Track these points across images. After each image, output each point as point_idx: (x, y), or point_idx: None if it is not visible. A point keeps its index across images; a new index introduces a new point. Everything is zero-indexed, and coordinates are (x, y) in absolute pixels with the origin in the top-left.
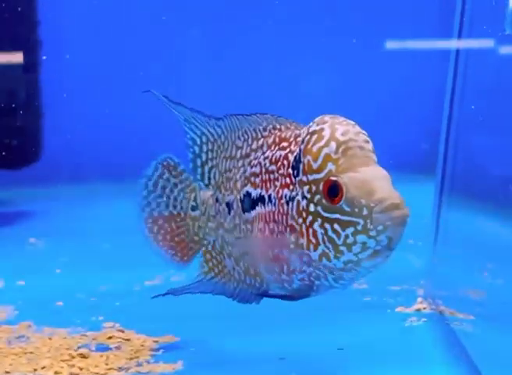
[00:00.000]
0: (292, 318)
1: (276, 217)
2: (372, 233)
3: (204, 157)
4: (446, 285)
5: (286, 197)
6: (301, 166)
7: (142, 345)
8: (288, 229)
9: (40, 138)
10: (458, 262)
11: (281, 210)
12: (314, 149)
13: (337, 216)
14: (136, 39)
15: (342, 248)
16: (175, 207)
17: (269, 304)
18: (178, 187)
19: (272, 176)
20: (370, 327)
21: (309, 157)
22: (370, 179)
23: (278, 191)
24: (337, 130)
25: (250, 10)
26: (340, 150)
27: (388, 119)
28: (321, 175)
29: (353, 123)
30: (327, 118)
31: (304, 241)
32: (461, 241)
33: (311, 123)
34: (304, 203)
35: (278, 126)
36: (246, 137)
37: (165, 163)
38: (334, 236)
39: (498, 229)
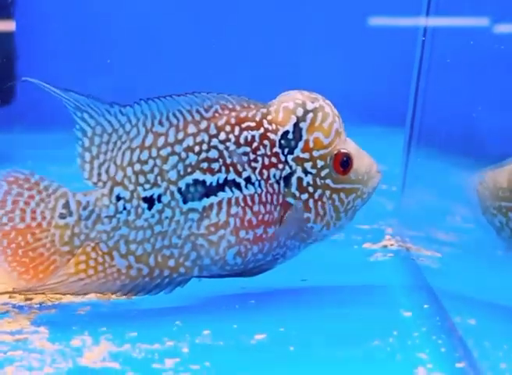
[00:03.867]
0: None
1: (263, 198)
2: (365, 196)
3: (94, 151)
4: (414, 225)
5: (275, 176)
6: (301, 144)
7: None
8: (280, 207)
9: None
10: (425, 205)
11: (270, 190)
12: (326, 126)
13: (344, 185)
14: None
15: (342, 214)
16: (34, 219)
17: None
18: (36, 199)
19: (245, 158)
20: (334, 261)
21: (318, 134)
22: (358, 148)
23: (261, 172)
24: (331, 105)
25: None
26: (340, 123)
27: (364, 85)
28: (329, 149)
29: None
30: (310, 96)
31: (310, 215)
32: (428, 185)
33: (297, 101)
34: (308, 179)
35: (229, 106)
36: (174, 121)
37: (10, 179)
38: (339, 204)
39: (459, 174)
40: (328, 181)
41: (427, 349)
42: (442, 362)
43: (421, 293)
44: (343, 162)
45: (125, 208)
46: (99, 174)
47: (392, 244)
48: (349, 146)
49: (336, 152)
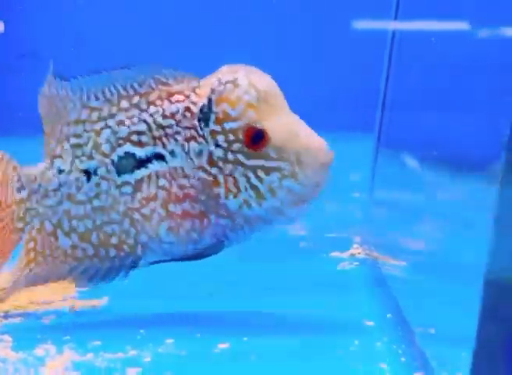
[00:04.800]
0: (224, 258)
1: (185, 171)
2: (300, 178)
3: (45, 128)
4: (382, 233)
5: (194, 149)
6: (213, 116)
7: None
8: (199, 181)
9: None
10: (394, 213)
11: (190, 163)
12: (233, 97)
13: (261, 162)
14: None
15: (265, 194)
16: None
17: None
18: None
19: (169, 130)
20: (301, 269)
21: (225, 105)
22: (293, 125)
23: (183, 145)
24: (253, 78)
25: None
26: (261, 97)
27: (332, 90)
28: (241, 123)
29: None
30: (236, 67)
31: (221, 190)
32: (396, 193)
33: (218, 74)
34: (219, 153)
35: (162, 80)
36: (109, 96)
37: None
38: (257, 182)
39: (428, 180)
40: (239, 156)
41: (387, 359)
42: (402, 372)
43: (385, 302)
44: (254, 138)
45: (66, 182)
46: (48, 147)
47: (359, 253)
48: (275, 121)
49: (247, 126)
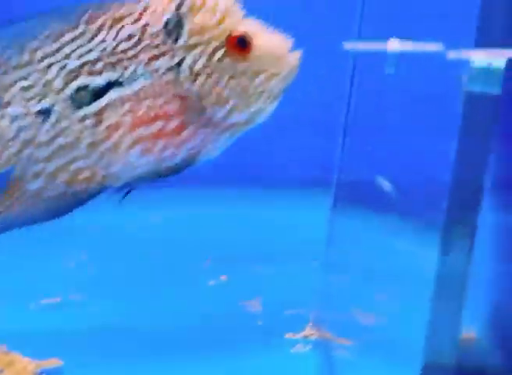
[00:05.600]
0: (182, 342)
1: (154, 90)
2: (281, 77)
3: None
4: (334, 307)
5: (163, 67)
6: (186, 28)
7: (24, 369)
8: (177, 97)
9: None
10: (347, 283)
11: (160, 81)
12: (208, 5)
13: (246, 66)
14: None
15: (253, 97)
16: None
17: (160, 329)
18: None
19: (127, 53)
20: (257, 354)
21: (201, 14)
22: (263, 26)
23: (147, 64)
24: None
25: None
26: (232, 3)
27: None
28: (221, 29)
29: None
30: None
31: (207, 101)
32: (351, 259)
33: None
34: (200, 63)
35: (102, 11)
36: (48, 33)
37: None
38: (245, 87)
39: (386, 247)
40: (224, 64)
41: None
42: None
43: None
44: (240, 42)
45: (23, 126)
46: None
47: (312, 334)
48: (248, 24)
49: (229, 32)
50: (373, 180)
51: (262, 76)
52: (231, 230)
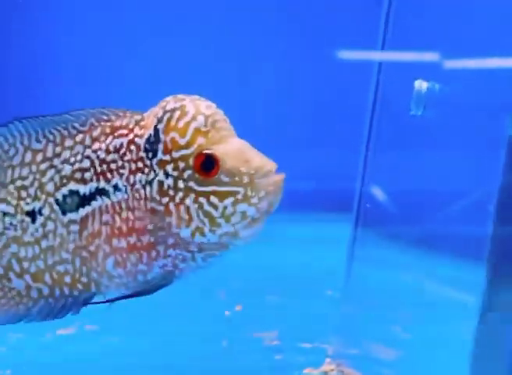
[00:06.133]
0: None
1: (130, 204)
2: (254, 201)
3: None
4: (353, 341)
5: (140, 181)
6: (161, 146)
7: None
8: (148, 213)
9: None
10: (369, 317)
11: (136, 196)
12: (180, 125)
13: (213, 188)
14: None
15: (219, 220)
16: None
17: (175, 358)
18: None
19: (113, 165)
20: None
21: (174, 134)
22: (243, 148)
23: (127, 178)
24: (200, 105)
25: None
26: (209, 123)
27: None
28: (191, 150)
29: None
30: (180, 96)
31: (172, 219)
32: (372, 291)
33: (162, 104)
34: (169, 182)
35: (104, 118)
36: (51, 137)
37: None
38: (211, 209)
39: (408, 275)
40: (191, 184)
41: None
42: None
43: None
44: (205, 164)
45: (11, 224)
46: None
47: (332, 370)
48: (224, 146)
49: (197, 153)
50: (397, 210)
51: (229, 200)
52: (246, 259)
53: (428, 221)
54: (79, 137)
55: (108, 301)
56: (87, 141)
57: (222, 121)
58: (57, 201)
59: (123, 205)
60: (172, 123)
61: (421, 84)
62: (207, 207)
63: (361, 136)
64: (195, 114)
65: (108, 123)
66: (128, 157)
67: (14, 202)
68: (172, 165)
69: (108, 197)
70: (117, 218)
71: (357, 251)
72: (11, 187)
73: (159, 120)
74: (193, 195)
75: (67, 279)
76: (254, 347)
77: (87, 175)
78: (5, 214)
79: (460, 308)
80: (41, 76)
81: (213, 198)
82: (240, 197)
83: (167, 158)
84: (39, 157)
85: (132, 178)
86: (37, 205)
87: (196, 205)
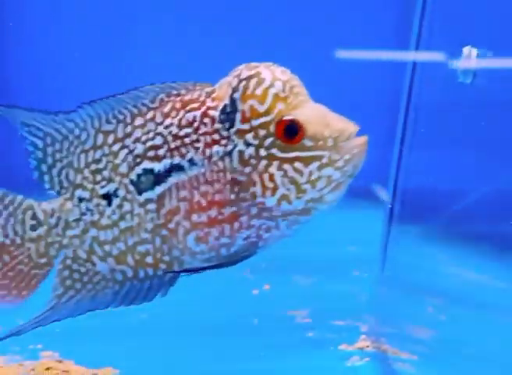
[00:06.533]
0: (233, 352)
1: (209, 177)
2: (339, 164)
3: (50, 161)
4: (390, 321)
5: (218, 153)
6: (239, 115)
7: None
8: (229, 184)
9: None
10: (403, 296)
11: (214, 168)
12: (259, 92)
13: (297, 153)
14: None
15: (305, 186)
16: (6, 236)
17: (208, 338)
18: (3, 214)
19: (186, 140)
20: (313, 366)
21: (252, 101)
22: (323, 112)
23: (203, 151)
24: (275, 70)
25: None
26: (287, 88)
27: None
28: (271, 116)
29: None
30: (253, 64)
31: (257, 189)
32: (408, 273)
33: (236, 72)
34: (250, 151)
35: (174, 93)
36: (121, 117)
37: None
38: (296, 175)
39: (445, 262)
40: (273, 151)
41: None
42: None
43: None
44: (289, 130)
45: (88, 209)
46: (60, 181)
47: (367, 346)
48: (304, 110)
49: (278, 119)
50: (432, 194)
51: (315, 165)
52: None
53: (467, 215)
54: (149, 115)
55: (188, 271)
56: (158, 118)
57: (299, 86)
58: (132, 181)
59: (201, 179)
60: (250, 90)
61: (470, 51)
62: (292, 173)
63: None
64: (272, 80)
65: (178, 98)
66: (202, 130)
67: (90, 187)
68: (252, 133)
69: (185, 172)
70: (195, 193)
71: (392, 236)
72: (86, 172)
73: (235, 89)
74: (276, 163)
75: (149, 259)
76: (286, 324)
77: (161, 152)
78: (80, 200)
79: (495, 295)
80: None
81: (298, 164)
82: (325, 161)
83: (246, 127)
84: (110, 138)
85: (208, 151)
86: (112, 187)
87: (281, 173)
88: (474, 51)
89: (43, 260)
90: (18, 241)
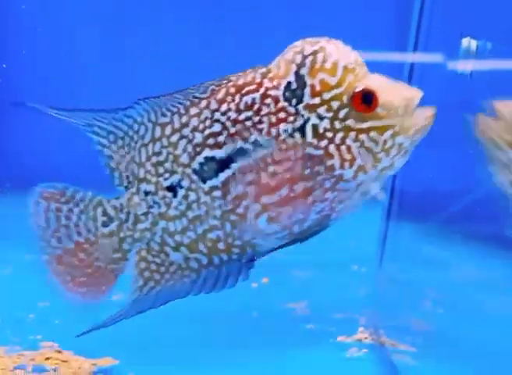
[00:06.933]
0: (232, 345)
1: (277, 157)
2: (410, 132)
3: (116, 157)
4: (388, 314)
5: (286, 131)
6: (308, 90)
7: (80, 368)
8: (303, 159)
9: None
10: (401, 290)
11: (283, 147)
12: (328, 65)
13: (371, 123)
14: None
15: (380, 154)
16: (80, 234)
17: (208, 329)
18: (75, 212)
19: (248, 123)
20: (311, 357)
21: (322, 75)
22: (389, 82)
23: (269, 132)
24: (338, 44)
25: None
26: (353, 60)
27: None
28: (342, 88)
29: None
30: (311, 40)
31: (335, 161)
32: (405, 267)
33: (296, 49)
34: (324, 124)
35: (224, 81)
36: (175, 109)
37: (45, 195)
38: (372, 144)
39: (442, 256)
40: (349, 122)
41: None
42: None
43: None
44: (365, 99)
45: (154, 202)
46: (127, 177)
47: (366, 338)
48: (372, 80)
49: (353, 90)
50: (430, 192)
51: (388, 133)
52: None
53: (464, 213)
54: (203, 103)
55: (268, 252)
56: (213, 105)
57: (360, 57)
58: (194, 170)
59: (268, 160)
60: (318, 64)
61: (469, 42)
62: (368, 143)
63: None
64: (340, 53)
65: (231, 83)
66: (265, 111)
67: (153, 180)
68: (324, 106)
69: (249, 155)
70: (263, 174)
71: (390, 231)
72: (148, 165)
73: (300, 65)
74: (353, 133)
75: (221, 245)
76: (285, 317)
77: (221, 138)
78: (146, 193)
79: (490, 290)
80: None
81: (373, 133)
82: (397, 129)
83: (316, 101)
84: (168, 130)
85: (274, 130)
86: (175, 178)
87: (358, 143)
88: (474, 43)
89: (118, 255)
90: (92, 238)
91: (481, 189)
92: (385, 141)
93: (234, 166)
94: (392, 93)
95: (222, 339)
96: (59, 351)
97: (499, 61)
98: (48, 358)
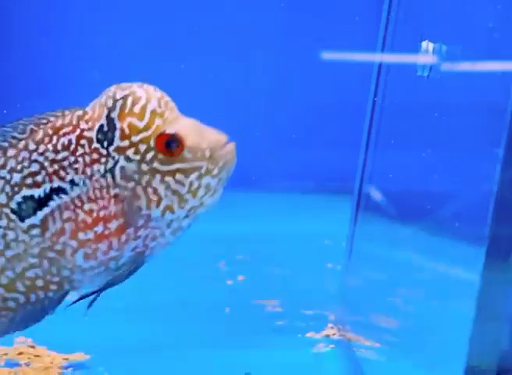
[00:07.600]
0: (203, 339)
1: (92, 195)
2: (215, 172)
3: None
4: (356, 311)
5: (99, 171)
6: (117, 133)
7: (51, 363)
8: (113, 200)
9: None
10: (369, 287)
11: (96, 186)
12: (137, 109)
13: (178, 165)
14: None
15: (187, 196)
16: None
17: (179, 324)
18: None
19: (65, 162)
20: (279, 352)
21: (130, 119)
22: (197, 125)
23: (84, 171)
24: (148, 89)
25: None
26: (162, 104)
27: (310, 138)
28: (150, 131)
29: None
30: (124, 84)
31: (142, 202)
32: (374, 264)
33: (109, 93)
34: (132, 166)
35: (43, 122)
36: None
37: None
38: (178, 186)
39: (414, 255)
40: (155, 165)
41: None
42: None
43: None
44: (169, 143)
45: None
46: None
47: (334, 334)
48: (181, 124)
49: (158, 134)
50: (398, 190)
51: (194, 175)
52: (251, 231)
53: (436, 212)
54: (21, 144)
55: (81, 298)
56: (31, 146)
57: (171, 102)
58: (12, 210)
59: (84, 198)
60: (127, 109)
61: (427, 44)
62: (174, 185)
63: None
64: (148, 97)
65: (49, 125)
66: (80, 151)
67: None
68: (132, 149)
69: (66, 193)
70: (79, 212)
71: (358, 227)
72: None
73: (111, 109)
74: (159, 176)
75: (39, 283)
76: (257, 313)
77: (39, 178)
78: None
79: (459, 283)
80: None
81: (179, 176)
82: (203, 171)
83: (126, 143)
84: None
85: (89, 170)
86: None
87: (163, 185)
88: (431, 46)
89: None
90: None
91: (448, 187)
92: (191, 183)
93: (52, 203)
94: (199, 137)
95: (194, 334)
96: (32, 347)
97: (454, 63)
98: (20, 353)
